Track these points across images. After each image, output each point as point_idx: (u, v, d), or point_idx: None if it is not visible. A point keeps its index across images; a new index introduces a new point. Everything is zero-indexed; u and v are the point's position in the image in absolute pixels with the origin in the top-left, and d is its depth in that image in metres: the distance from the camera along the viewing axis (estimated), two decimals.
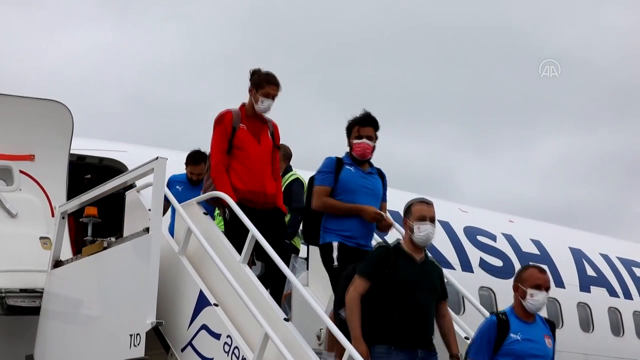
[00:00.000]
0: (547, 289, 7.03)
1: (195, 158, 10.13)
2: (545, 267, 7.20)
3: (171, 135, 34.51)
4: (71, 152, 10.23)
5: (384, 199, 8.35)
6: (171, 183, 10.09)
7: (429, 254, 7.57)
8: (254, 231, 7.84)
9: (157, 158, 8.18)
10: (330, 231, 8.04)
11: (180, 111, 37.86)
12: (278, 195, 8.69)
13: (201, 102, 37.63)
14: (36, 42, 35.87)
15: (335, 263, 7.90)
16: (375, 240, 8.28)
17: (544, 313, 7.32)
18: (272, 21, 37.73)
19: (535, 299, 6.94)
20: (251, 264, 8.27)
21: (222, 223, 8.65)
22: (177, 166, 10.20)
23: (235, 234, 8.16)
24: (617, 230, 37.15)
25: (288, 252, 8.95)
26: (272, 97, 8.59)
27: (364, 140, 8.11)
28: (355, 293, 7.09)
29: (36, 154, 10.09)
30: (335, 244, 7.94)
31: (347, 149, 8.25)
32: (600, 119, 38.96)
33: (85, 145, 11.27)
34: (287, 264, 8.51)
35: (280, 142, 10.12)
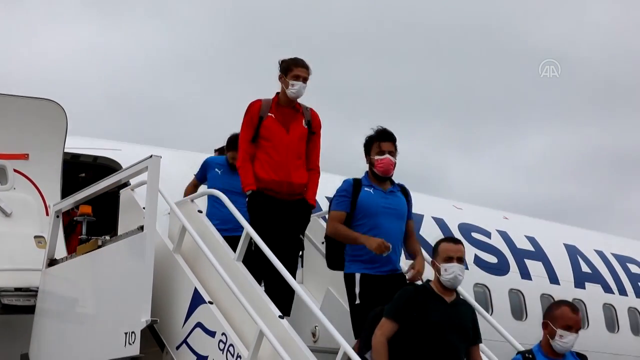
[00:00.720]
0: (577, 330, 6.65)
1: (235, 143, 9.56)
2: (577, 306, 6.81)
3: (155, 133, 34.49)
4: (65, 150, 10.22)
5: (409, 216, 8.06)
6: (209, 165, 9.94)
7: (461, 294, 7.25)
8: (248, 228, 7.85)
9: (151, 156, 8.17)
10: (353, 258, 7.78)
11: (163, 109, 37.83)
12: (309, 186, 8.51)
13: (185, 99, 37.64)
14: (18, 41, 35.68)
15: (358, 301, 7.62)
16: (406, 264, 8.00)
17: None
18: (255, 18, 37.65)
19: (564, 340, 6.59)
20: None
21: None
22: (171, 164, 10.17)
23: (259, 225, 8.01)
24: (605, 226, 37.36)
25: (300, 242, 8.59)
26: (303, 79, 8.45)
27: (387, 155, 7.85)
28: (383, 337, 6.77)
29: (30, 153, 10.07)
30: (357, 277, 7.66)
31: (367, 169, 7.97)
32: (585, 115, 39.04)
33: (80, 144, 11.26)
34: (297, 258, 8.47)
35: None
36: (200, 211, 8.63)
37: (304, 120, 8.54)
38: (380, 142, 7.86)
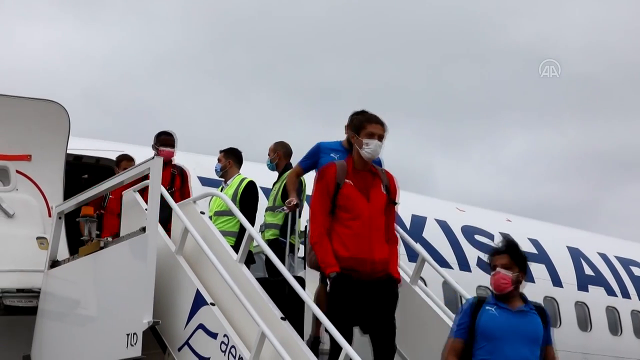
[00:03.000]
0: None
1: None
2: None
3: (132, 133, 34.45)
4: (68, 152, 10.23)
5: (547, 341, 6.91)
6: (323, 150, 9.13)
7: None
8: (250, 230, 7.87)
9: (153, 157, 8.19)
10: None
11: (140, 108, 37.74)
12: (392, 261, 7.52)
13: (160, 99, 37.65)
14: None
15: None
16: None
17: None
18: (232, 17, 37.56)
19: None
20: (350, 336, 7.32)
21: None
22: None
23: (337, 307, 7.25)
24: (588, 226, 37.17)
25: (393, 326, 7.52)
26: (378, 137, 7.52)
27: (499, 270, 6.81)
28: None
29: (33, 154, 10.08)
30: None
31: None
32: (568, 115, 39.02)
33: (82, 145, 11.27)
34: (393, 339, 7.51)
35: (279, 140, 10.04)
36: (202, 212, 8.62)
37: (382, 185, 7.63)
38: (494, 255, 6.95)
